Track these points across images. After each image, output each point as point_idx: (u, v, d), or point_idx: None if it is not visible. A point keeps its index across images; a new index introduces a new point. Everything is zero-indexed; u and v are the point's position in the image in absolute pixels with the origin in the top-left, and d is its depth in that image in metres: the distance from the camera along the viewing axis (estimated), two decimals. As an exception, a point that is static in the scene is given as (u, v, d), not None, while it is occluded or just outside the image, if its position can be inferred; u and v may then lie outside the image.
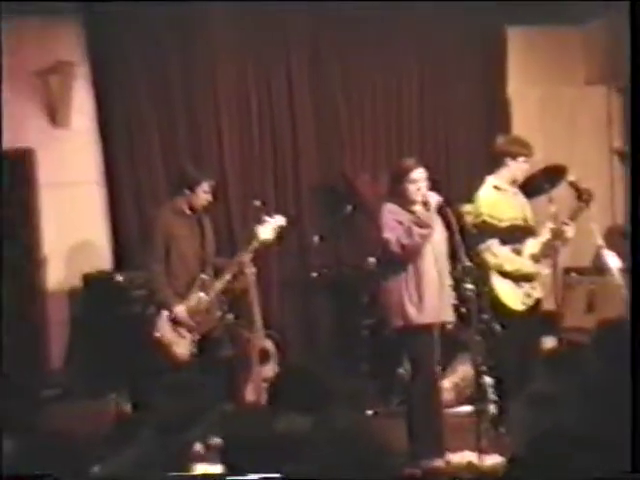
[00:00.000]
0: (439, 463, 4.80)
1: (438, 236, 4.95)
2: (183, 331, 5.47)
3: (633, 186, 4.13)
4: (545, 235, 5.43)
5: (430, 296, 4.86)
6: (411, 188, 4.90)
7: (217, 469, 3.70)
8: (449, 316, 5.00)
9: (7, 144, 5.77)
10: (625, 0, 4.25)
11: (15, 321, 5.63)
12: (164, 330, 5.44)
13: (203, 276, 5.52)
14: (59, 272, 6.18)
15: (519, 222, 5.40)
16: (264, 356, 5.88)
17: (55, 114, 6.23)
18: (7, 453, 3.94)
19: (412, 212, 4.91)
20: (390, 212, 4.92)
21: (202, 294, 5.49)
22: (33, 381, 5.67)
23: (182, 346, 5.45)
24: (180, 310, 5.44)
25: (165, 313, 5.44)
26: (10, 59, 6.02)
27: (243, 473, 2.74)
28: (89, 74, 6.37)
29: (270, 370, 5.81)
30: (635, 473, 2.45)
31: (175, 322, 5.44)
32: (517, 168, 5.38)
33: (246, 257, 5.57)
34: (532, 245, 5.40)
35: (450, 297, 5.01)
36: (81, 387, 5.79)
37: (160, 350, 5.43)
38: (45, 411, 5.47)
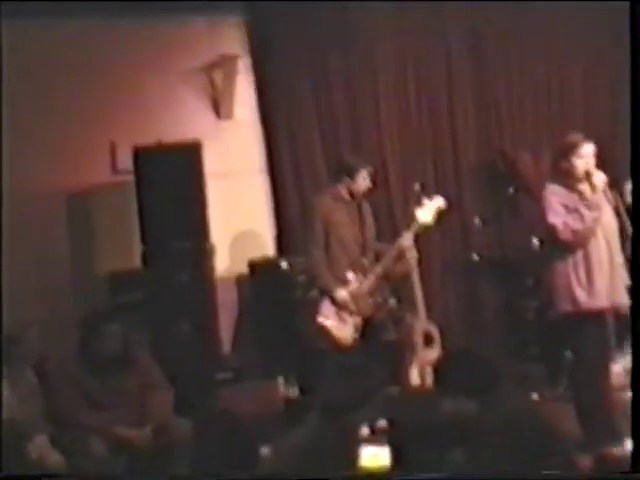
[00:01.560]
0: (616, 450, 4.64)
1: (607, 216, 4.78)
2: (345, 315, 5.54)
3: (634, 186, 3.93)
4: None
5: (601, 279, 4.70)
6: (579, 164, 4.73)
7: (384, 452, 3.75)
8: (622, 298, 4.80)
9: (176, 137, 6.02)
10: (625, 0, 4.02)
11: (187, 308, 5.87)
12: (327, 315, 5.53)
13: (363, 260, 5.57)
14: (226, 260, 6.39)
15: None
16: (428, 340, 5.87)
17: (219, 107, 6.45)
18: (185, 432, 4.12)
19: (578, 192, 4.75)
20: (554, 194, 4.77)
21: (363, 278, 5.55)
22: (206, 365, 5.90)
23: (345, 330, 5.53)
24: (341, 294, 5.51)
25: (327, 298, 5.53)
26: (176, 57, 6.27)
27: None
28: (251, 67, 6.54)
29: (434, 353, 5.79)
30: (635, 473, 2.31)
31: (337, 306, 5.53)
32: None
33: (407, 241, 5.59)
34: None
35: (623, 278, 4.81)
36: (250, 371, 5.98)
37: (323, 335, 5.53)
38: (217, 394, 5.68)
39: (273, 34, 6.54)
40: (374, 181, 5.65)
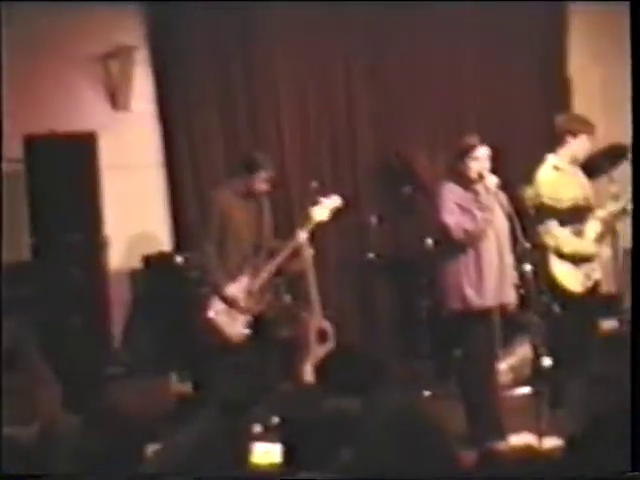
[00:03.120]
0: (500, 445, 4.77)
1: (498, 217, 4.91)
2: (235, 312, 5.53)
3: (634, 186, 4.08)
4: (605, 215, 5.37)
5: (490, 278, 4.82)
6: (474, 166, 4.84)
7: (276, 449, 3.76)
8: (510, 297, 4.95)
9: (70, 127, 5.88)
10: (625, 0, 4.18)
11: (79, 303, 5.75)
12: (216, 310, 5.51)
13: (256, 258, 5.57)
14: (121, 254, 6.28)
15: (579, 202, 5.34)
16: (322, 337, 5.92)
17: (116, 98, 6.33)
18: (73, 429, 4.04)
19: (473, 192, 4.85)
20: (449, 192, 4.86)
21: (255, 275, 5.56)
22: (97, 360, 5.79)
23: (234, 327, 5.52)
24: (231, 291, 5.50)
25: (217, 294, 5.51)
26: (72, 44, 6.13)
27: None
28: (148, 58, 6.44)
29: (328, 351, 5.84)
30: (635, 473, 2.42)
31: (227, 303, 5.51)
32: (578, 146, 5.31)
33: (302, 239, 5.61)
34: (593, 225, 5.33)
35: (511, 278, 4.96)
36: (142, 366, 5.90)
37: (213, 330, 5.51)
38: (108, 389, 5.59)
39: (172, 25, 6.45)
40: (274, 181, 5.65)
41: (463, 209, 4.81)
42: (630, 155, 4.14)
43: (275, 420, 4.44)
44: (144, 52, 6.40)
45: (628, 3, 4.22)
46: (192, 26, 6.47)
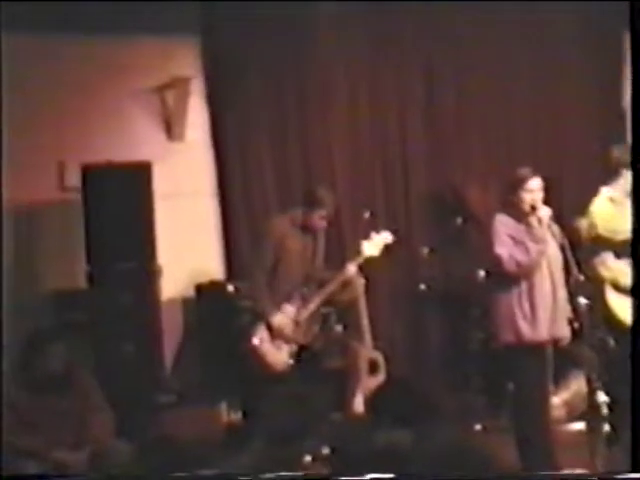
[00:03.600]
0: (551, 481, 4.69)
1: (552, 249, 4.85)
2: (280, 342, 5.53)
3: (634, 186, 4.01)
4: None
5: (543, 311, 4.76)
6: (526, 198, 4.80)
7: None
8: (564, 331, 4.88)
9: (126, 157, 5.98)
10: (625, 0, 4.13)
11: (131, 330, 5.80)
12: (261, 338, 5.51)
13: (304, 289, 5.58)
14: (173, 282, 6.33)
15: (635, 235, 5.26)
16: (373, 367, 5.89)
17: (171, 128, 6.43)
18: (124, 456, 4.07)
19: (525, 224, 4.82)
20: (502, 224, 4.83)
21: (303, 306, 5.55)
22: (149, 388, 5.83)
23: (278, 356, 5.51)
24: (277, 319, 5.51)
25: (264, 322, 5.52)
26: (130, 76, 6.25)
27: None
28: (204, 89, 6.54)
29: (379, 381, 5.81)
30: (635, 473, 2.35)
31: (272, 332, 5.51)
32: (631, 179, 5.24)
33: (352, 270, 5.60)
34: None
35: (565, 311, 4.89)
36: (193, 394, 5.92)
37: (256, 358, 5.51)
38: (160, 416, 5.62)
39: (227, 55, 6.54)
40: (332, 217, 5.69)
41: (516, 241, 4.77)
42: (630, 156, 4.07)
43: (325, 451, 4.43)
44: (199, 82, 6.50)
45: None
46: (246, 55, 6.55)
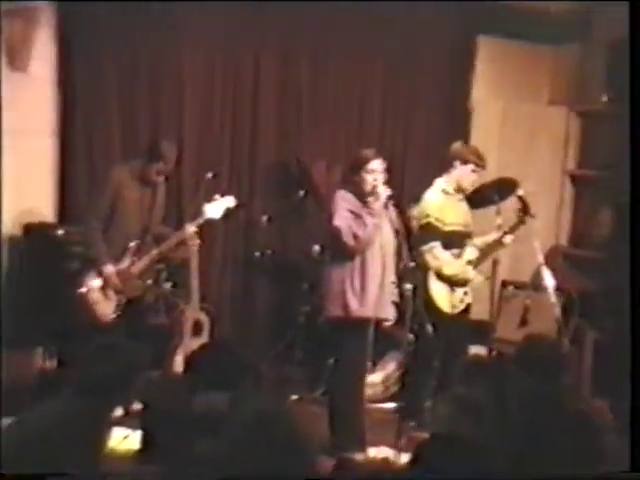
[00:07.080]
0: (358, 456, 4.84)
1: (386, 232, 4.98)
2: (110, 292, 5.45)
3: (633, 186, 4.16)
4: (485, 244, 5.55)
5: (372, 290, 4.89)
6: (368, 178, 4.91)
7: (135, 435, 3.71)
8: (388, 313, 5.04)
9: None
10: (625, 0, 4.25)
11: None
12: (91, 287, 5.41)
13: (139, 241, 5.50)
14: (6, 219, 6.06)
15: (460, 228, 5.51)
16: (197, 328, 5.88)
17: (14, 58, 6.11)
18: None
19: (365, 202, 4.93)
20: (343, 199, 4.93)
21: (134, 258, 5.48)
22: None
23: (106, 306, 5.43)
24: (109, 269, 5.41)
25: (95, 271, 5.41)
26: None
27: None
28: (53, 21, 6.24)
29: (201, 343, 5.79)
30: (635, 473, 2.47)
31: (103, 281, 5.42)
32: (464, 174, 5.46)
33: (191, 230, 5.56)
34: (471, 252, 5.51)
35: (391, 295, 5.05)
36: (9, 336, 5.71)
37: (84, 306, 5.40)
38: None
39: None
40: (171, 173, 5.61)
41: (355, 215, 4.88)
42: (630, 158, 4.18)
43: (138, 406, 4.39)
44: (48, 12, 6.19)
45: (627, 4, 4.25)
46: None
